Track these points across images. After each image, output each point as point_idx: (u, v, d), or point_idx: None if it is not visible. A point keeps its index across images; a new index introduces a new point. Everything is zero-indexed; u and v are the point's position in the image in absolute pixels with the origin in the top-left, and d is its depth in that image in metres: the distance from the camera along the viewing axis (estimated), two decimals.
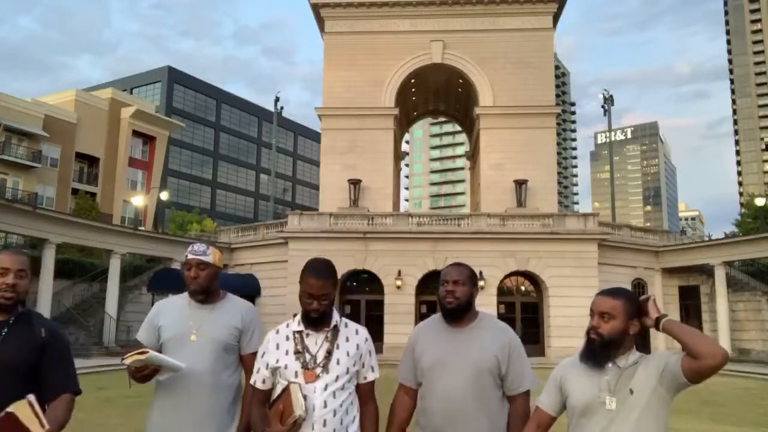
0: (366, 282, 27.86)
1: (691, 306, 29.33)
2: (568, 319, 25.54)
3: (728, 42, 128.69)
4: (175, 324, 2.93)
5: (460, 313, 2.82)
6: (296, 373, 2.62)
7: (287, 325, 2.77)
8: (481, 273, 25.24)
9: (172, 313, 2.99)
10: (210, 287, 2.99)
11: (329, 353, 2.65)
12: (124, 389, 2.67)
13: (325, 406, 2.58)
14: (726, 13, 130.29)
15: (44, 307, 22.28)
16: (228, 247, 31.40)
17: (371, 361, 2.79)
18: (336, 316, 2.75)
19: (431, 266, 26.80)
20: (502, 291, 27.42)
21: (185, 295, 3.05)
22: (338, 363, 2.65)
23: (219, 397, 2.88)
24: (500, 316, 23.02)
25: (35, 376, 2.50)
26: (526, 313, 27.77)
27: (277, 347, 2.71)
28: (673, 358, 2.36)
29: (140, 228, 41.03)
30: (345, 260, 25.71)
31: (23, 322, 2.53)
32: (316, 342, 2.67)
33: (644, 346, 26.45)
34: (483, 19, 34.12)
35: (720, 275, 26.71)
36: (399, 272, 26.91)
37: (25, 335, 2.50)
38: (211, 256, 2.99)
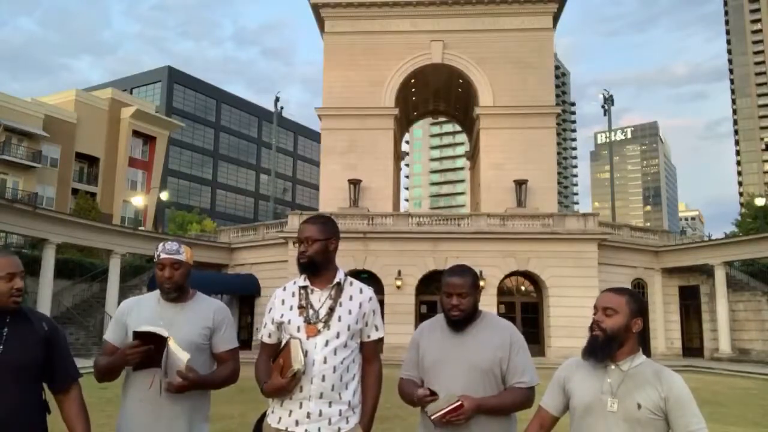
0: (366, 282, 27.16)
1: (691, 306, 29.32)
2: (568, 319, 25.54)
3: (728, 42, 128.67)
4: (145, 323, 2.86)
5: (465, 323, 2.81)
6: (299, 327, 2.68)
7: (294, 282, 2.84)
8: (481, 273, 25.24)
9: (141, 311, 2.94)
10: (183, 285, 2.97)
11: (331, 310, 2.70)
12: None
13: (325, 362, 2.63)
14: (726, 13, 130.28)
15: (44, 307, 22.26)
16: (228, 247, 31.41)
17: (375, 320, 2.83)
18: (340, 273, 2.81)
19: (431, 266, 26.80)
20: (502, 291, 27.40)
21: (155, 293, 3.01)
22: (340, 320, 2.69)
23: (191, 397, 2.85)
24: (500, 316, 22.98)
25: (44, 371, 2.54)
26: (526, 313, 27.75)
27: (283, 302, 2.79)
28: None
29: (140, 228, 41.04)
30: (345, 260, 25.69)
31: (21, 320, 2.53)
32: (320, 299, 2.74)
33: (644, 347, 26.45)
34: (483, 19, 34.11)
35: (720, 275, 26.69)
36: (399, 272, 26.90)
37: (27, 333, 2.51)
38: (184, 254, 2.97)
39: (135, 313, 2.95)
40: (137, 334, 2.68)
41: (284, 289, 2.85)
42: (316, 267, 2.75)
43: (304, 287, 2.77)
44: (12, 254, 2.57)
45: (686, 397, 2.33)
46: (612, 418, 2.36)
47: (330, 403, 2.62)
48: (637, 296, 2.51)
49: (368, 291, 2.85)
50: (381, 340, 2.88)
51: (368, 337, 2.81)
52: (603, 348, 2.41)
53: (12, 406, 2.39)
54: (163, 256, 2.92)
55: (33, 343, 2.50)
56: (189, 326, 2.90)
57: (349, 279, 2.85)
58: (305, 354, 2.59)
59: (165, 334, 2.67)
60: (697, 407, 2.35)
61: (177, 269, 2.92)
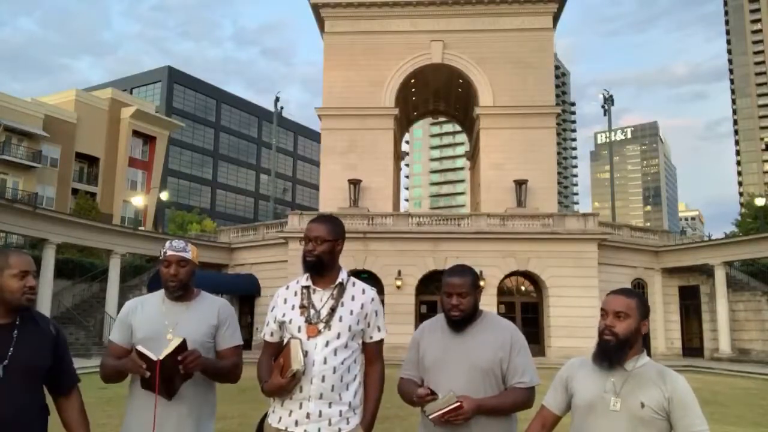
0: (366, 282, 27.58)
1: (691, 306, 29.32)
2: (568, 319, 25.57)
3: (728, 42, 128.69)
4: (150, 322, 2.87)
5: (465, 323, 2.81)
6: (299, 327, 2.68)
7: (297, 281, 2.84)
8: (481, 273, 25.24)
9: (146, 311, 2.93)
10: (188, 284, 2.96)
11: (333, 310, 2.70)
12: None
13: (325, 363, 2.62)
14: (726, 13, 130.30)
15: (44, 307, 22.26)
16: (228, 247, 31.41)
17: (377, 321, 2.81)
18: (343, 274, 2.81)
19: (431, 266, 26.80)
20: (502, 291, 27.41)
21: (159, 293, 3.00)
22: (341, 320, 2.68)
23: (197, 395, 2.85)
24: (501, 316, 22.96)
25: (49, 372, 2.55)
26: (526, 313, 27.74)
27: (285, 301, 2.79)
28: None
29: (140, 228, 41.04)
30: (345, 260, 25.33)
31: (30, 322, 2.53)
32: (322, 298, 2.73)
33: (645, 346, 26.43)
34: (483, 19, 34.11)
35: (720, 275, 26.69)
36: (399, 272, 26.90)
37: (38, 335, 2.52)
38: (191, 252, 2.97)
39: (140, 313, 2.93)
40: (141, 356, 2.66)
41: (287, 288, 2.86)
42: (323, 267, 2.75)
43: (307, 287, 2.77)
44: (25, 254, 2.58)
45: (690, 398, 2.34)
46: (615, 417, 2.36)
47: (330, 403, 2.61)
48: (643, 298, 2.51)
49: (371, 292, 2.84)
50: (383, 340, 2.87)
51: (370, 338, 2.80)
52: (616, 352, 2.40)
53: (19, 408, 2.40)
54: (169, 253, 2.92)
55: (42, 345, 2.51)
56: (194, 325, 2.90)
57: (352, 279, 2.85)
58: (305, 354, 2.59)
59: (154, 357, 2.63)
60: (700, 408, 2.35)
61: (183, 267, 2.92)
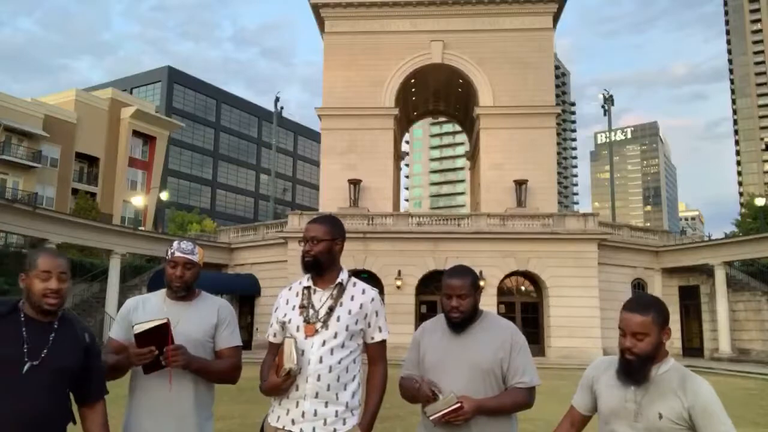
0: (366, 282, 27.58)
1: (691, 306, 29.31)
2: (568, 319, 25.56)
3: (728, 42, 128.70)
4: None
5: (465, 324, 2.81)
6: (298, 326, 2.69)
7: (300, 282, 2.85)
8: (481, 273, 25.24)
9: (147, 310, 2.93)
10: (192, 285, 2.97)
11: (331, 309, 2.70)
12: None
13: (321, 361, 2.62)
14: (726, 13, 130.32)
15: None
16: (228, 247, 31.40)
17: (378, 322, 2.80)
18: (344, 274, 2.82)
19: (431, 266, 26.80)
20: (502, 291, 27.40)
21: (161, 292, 3.01)
22: (338, 320, 2.68)
23: (198, 395, 2.85)
24: (501, 316, 22.90)
25: (77, 379, 2.49)
26: (526, 313, 27.73)
27: (287, 302, 2.81)
28: None
29: (140, 228, 41.05)
30: (345, 260, 24.88)
31: (67, 326, 2.48)
32: (321, 298, 2.74)
33: None
34: (483, 19, 34.11)
35: (720, 275, 26.69)
36: (399, 272, 26.90)
37: (72, 339, 2.47)
38: (198, 255, 2.97)
39: (141, 311, 2.93)
40: (138, 337, 2.65)
41: (290, 288, 2.87)
42: (321, 267, 2.76)
43: (308, 287, 2.78)
44: (58, 255, 2.48)
45: (713, 405, 2.28)
46: (635, 426, 2.34)
47: (326, 403, 2.60)
48: (661, 308, 2.41)
49: (371, 292, 2.84)
50: (385, 341, 2.85)
51: (372, 338, 2.79)
52: (639, 371, 2.36)
53: (45, 408, 2.36)
54: (177, 254, 2.91)
55: (74, 350, 2.46)
56: (194, 325, 2.90)
57: (353, 279, 2.85)
58: (302, 353, 2.59)
59: (163, 320, 2.65)
60: (725, 413, 2.29)
61: (189, 269, 2.92)
